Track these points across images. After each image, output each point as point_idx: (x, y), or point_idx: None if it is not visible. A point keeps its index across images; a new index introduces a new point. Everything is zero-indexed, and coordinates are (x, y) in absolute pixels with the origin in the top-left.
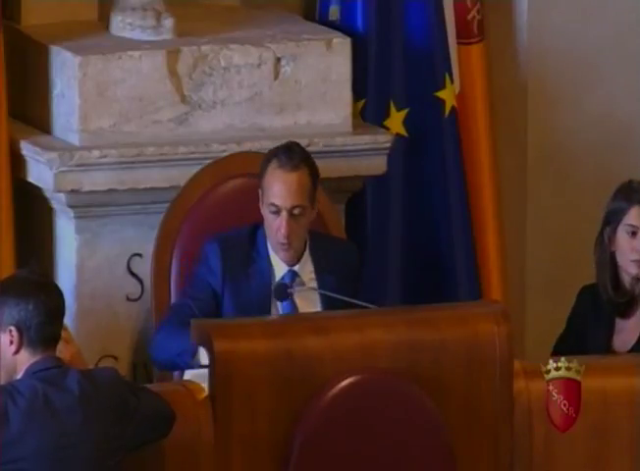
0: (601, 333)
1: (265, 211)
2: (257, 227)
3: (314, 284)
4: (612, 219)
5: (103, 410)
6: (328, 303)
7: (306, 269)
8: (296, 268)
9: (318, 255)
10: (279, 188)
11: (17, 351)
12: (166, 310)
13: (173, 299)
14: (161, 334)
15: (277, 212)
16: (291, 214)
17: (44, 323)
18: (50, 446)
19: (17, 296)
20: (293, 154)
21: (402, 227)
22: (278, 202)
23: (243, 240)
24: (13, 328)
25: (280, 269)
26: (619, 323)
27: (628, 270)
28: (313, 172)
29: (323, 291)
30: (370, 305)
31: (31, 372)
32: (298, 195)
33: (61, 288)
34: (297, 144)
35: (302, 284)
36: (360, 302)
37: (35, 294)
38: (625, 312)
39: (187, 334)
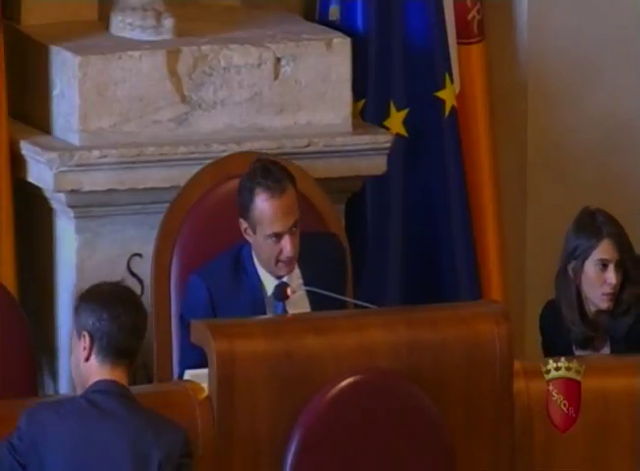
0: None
1: (260, 240)
2: (241, 247)
3: (303, 290)
4: (578, 254)
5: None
6: (318, 309)
7: (294, 276)
8: (285, 279)
9: (303, 259)
10: (275, 216)
11: (87, 358)
12: (166, 310)
13: (173, 299)
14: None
15: (277, 238)
16: (290, 232)
17: (116, 334)
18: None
19: (95, 304)
20: (275, 176)
21: (402, 227)
22: (279, 229)
23: (228, 265)
24: (86, 333)
25: (269, 282)
26: (577, 353)
27: (599, 304)
28: (294, 181)
29: (322, 291)
30: (370, 305)
31: (90, 390)
32: (293, 212)
33: (146, 309)
34: (270, 161)
35: (294, 292)
36: (360, 302)
37: (113, 305)
38: (585, 344)
39: None
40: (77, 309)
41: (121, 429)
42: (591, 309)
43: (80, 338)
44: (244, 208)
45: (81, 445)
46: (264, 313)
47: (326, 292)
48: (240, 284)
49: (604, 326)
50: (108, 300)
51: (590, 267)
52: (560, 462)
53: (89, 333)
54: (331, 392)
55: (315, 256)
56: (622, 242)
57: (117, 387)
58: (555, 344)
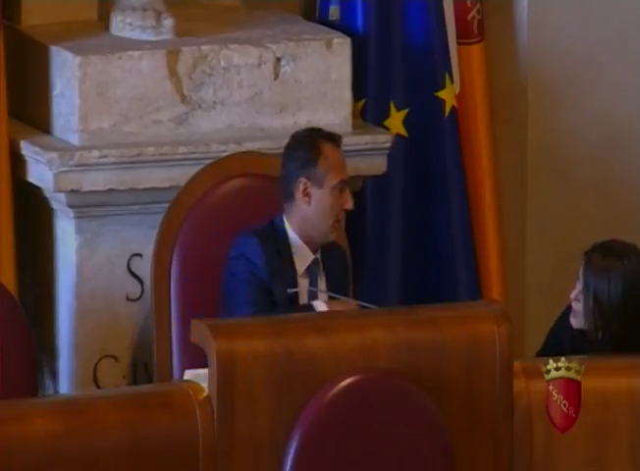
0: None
1: (325, 194)
2: (272, 223)
3: (317, 291)
4: None
5: None
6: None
7: (320, 280)
8: (318, 255)
9: (322, 255)
10: (340, 164)
11: None
12: (166, 310)
13: (173, 299)
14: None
15: (342, 189)
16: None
17: None
18: None
19: None
20: (329, 132)
21: (402, 226)
22: (344, 176)
23: (271, 234)
24: None
25: (301, 259)
26: None
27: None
28: None
29: (326, 292)
30: (370, 305)
31: None
32: None
33: None
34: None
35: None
36: (360, 302)
37: None
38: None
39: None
40: None
41: None
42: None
43: None
44: (309, 163)
45: None
46: (294, 291)
47: (328, 293)
48: (279, 256)
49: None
50: None
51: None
52: (560, 462)
53: None
54: (331, 392)
55: (331, 258)
56: (591, 276)
57: None
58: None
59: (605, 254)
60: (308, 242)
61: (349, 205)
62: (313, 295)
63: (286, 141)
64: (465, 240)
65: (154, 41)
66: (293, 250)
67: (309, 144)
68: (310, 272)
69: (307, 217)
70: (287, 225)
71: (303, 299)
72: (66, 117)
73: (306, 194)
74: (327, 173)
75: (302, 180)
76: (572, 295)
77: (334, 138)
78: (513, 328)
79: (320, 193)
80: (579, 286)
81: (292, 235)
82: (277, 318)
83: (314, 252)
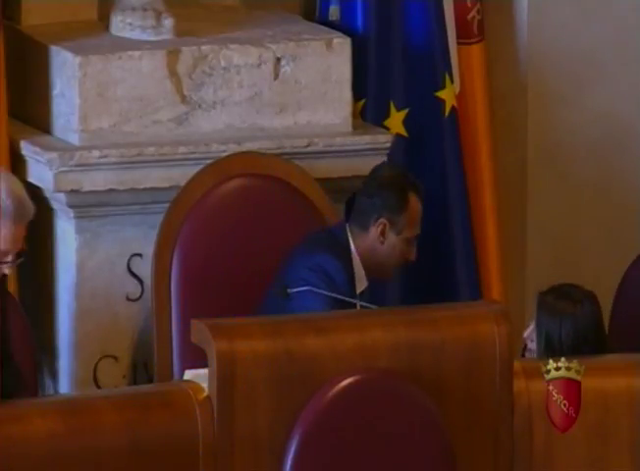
0: None
1: (399, 241)
2: (334, 237)
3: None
4: None
5: None
6: None
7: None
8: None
9: None
10: (419, 219)
11: None
12: (166, 310)
13: (173, 299)
14: None
15: (413, 243)
16: None
17: None
18: None
19: None
20: (418, 182)
21: None
22: (419, 231)
23: (346, 257)
24: None
25: (359, 286)
26: None
27: None
28: None
29: (326, 292)
30: (370, 305)
31: None
32: None
33: None
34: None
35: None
36: (360, 302)
37: None
38: None
39: None
40: None
41: None
42: None
43: None
44: (396, 209)
45: None
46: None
47: (330, 294)
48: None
49: None
50: None
51: None
52: (560, 462)
53: None
54: (331, 392)
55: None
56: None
57: None
58: None
59: (559, 297)
60: (367, 270)
61: (413, 258)
62: None
63: (374, 167)
64: (465, 240)
65: (154, 41)
66: (354, 273)
67: (401, 191)
68: (362, 298)
69: (376, 253)
70: (352, 246)
71: None
72: (66, 117)
73: (382, 234)
74: (408, 224)
75: (384, 221)
76: (525, 334)
77: (420, 191)
78: (513, 328)
79: (395, 240)
80: (532, 325)
81: (355, 258)
82: (277, 318)
83: (367, 280)
